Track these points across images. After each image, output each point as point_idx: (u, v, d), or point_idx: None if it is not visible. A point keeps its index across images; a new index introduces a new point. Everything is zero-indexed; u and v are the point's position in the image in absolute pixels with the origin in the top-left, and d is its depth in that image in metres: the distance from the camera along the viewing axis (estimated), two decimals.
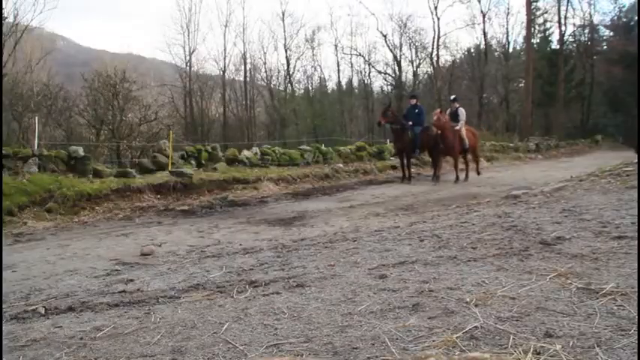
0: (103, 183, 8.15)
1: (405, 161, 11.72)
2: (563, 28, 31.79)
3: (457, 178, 11.33)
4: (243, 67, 34.09)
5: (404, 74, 34.44)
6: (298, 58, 34.73)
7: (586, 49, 34.54)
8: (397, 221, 5.45)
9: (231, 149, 12.25)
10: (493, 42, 34.91)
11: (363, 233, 4.58)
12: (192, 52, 32.43)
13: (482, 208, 5.66)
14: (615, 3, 43.38)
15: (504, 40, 34.20)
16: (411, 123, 11.36)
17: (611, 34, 35.36)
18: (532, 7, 29.27)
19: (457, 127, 11.08)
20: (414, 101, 12.07)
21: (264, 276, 3.20)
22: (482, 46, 33.31)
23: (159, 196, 8.52)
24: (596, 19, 35.49)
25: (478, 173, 12.38)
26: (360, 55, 34.98)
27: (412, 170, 12.20)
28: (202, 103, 32.50)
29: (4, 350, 2.22)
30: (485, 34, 32.97)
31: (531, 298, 2.33)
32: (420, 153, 12.27)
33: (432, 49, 32.04)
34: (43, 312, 2.80)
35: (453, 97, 12.35)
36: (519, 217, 4.51)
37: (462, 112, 11.54)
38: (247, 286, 2.98)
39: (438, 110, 10.91)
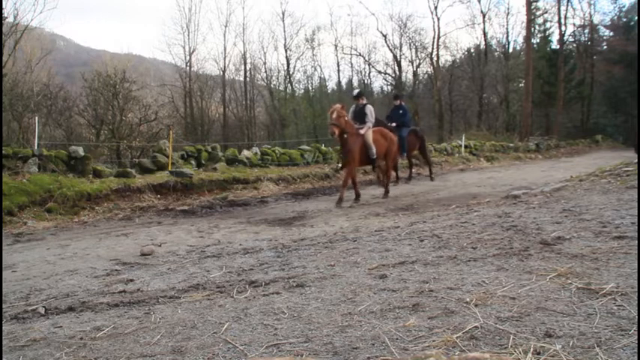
0: (103, 183, 8.15)
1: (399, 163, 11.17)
2: (563, 28, 31.80)
3: (361, 193, 8.58)
4: (243, 67, 34.13)
5: (404, 74, 34.50)
6: (298, 58, 34.76)
7: (586, 49, 34.52)
8: (397, 221, 5.45)
9: (231, 149, 12.25)
10: (493, 42, 34.98)
11: (363, 233, 4.58)
12: (192, 52, 32.47)
13: (482, 208, 5.66)
14: (615, 3, 43.45)
15: (504, 40, 34.25)
16: (395, 124, 10.59)
17: (611, 34, 35.37)
18: (532, 7, 29.25)
19: (361, 131, 8.19)
20: (397, 102, 11.39)
21: (264, 276, 3.20)
22: (483, 46, 33.34)
23: (159, 196, 8.52)
24: (596, 19, 35.53)
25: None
26: (360, 55, 35.02)
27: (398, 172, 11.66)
28: (202, 103, 32.50)
29: (4, 350, 2.22)
30: (485, 34, 33.03)
31: (531, 298, 2.33)
32: (408, 155, 11.44)
33: (432, 49, 32.06)
34: (43, 312, 2.80)
35: (356, 91, 9.27)
36: (519, 217, 4.51)
37: (369, 110, 8.55)
38: (247, 286, 2.98)
39: (339, 105, 7.92)
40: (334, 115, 7.69)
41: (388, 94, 35.58)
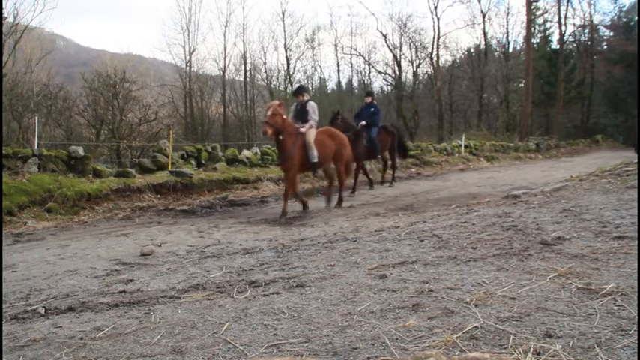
0: (103, 183, 8.15)
1: (377, 166, 10.76)
2: (563, 28, 31.80)
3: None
4: (243, 67, 34.10)
5: (404, 74, 34.45)
6: (298, 58, 34.72)
7: (586, 49, 34.51)
8: (397, 221, 5.44)
9: (231, 149, 12.25)
10: (493, 42, 34.95)
11: (363, 233, 4.58)
12: (192, 52, 32.43)
13: (482, 208, 5.66)
14: (615, 3, 43.48)
15: (504, 40, 34.23)
16: (364, 123, 9.70)
17: (611, 34, 35.36)
18: (532, 7, 29.24)
19: (302, 130, 7.21)
20: (369, 99, 10.49)
21: (264, 276, 3.20)
22: (483, 46, 33.31)
23: (159, 196, 8.52)
24: (596, 19, 35.50)
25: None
26: (360, 55, 34.97)
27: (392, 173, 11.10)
28: (202, 103, 32.47)
29: (4, 350, 2.22)
30: (485, 34, 32.99)
31: (531, 298, 2.33)
32: (381, 155, 10.71)
33: (432, 49, 32.02)
34: (43, 312, 2.80)
35: (297, 86, 8.32)
36: (519, 217, 4.51)
37: (312, 107, 7.44)
38: (247, 286, 2.98)
39: (277, 102, 7.16)
40: (269, 113, 6.84)
41: (388, 94, 35.59)
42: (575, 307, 2.19)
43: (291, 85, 34.76)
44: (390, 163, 11.27)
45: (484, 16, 32.23)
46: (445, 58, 35.41)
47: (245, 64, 33.92)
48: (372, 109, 10.13)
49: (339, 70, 38.04)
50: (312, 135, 7.25)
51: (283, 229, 5.77)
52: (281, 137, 6.86)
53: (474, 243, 3.60)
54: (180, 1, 46.41)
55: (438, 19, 32.52)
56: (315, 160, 7.16)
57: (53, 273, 3.93)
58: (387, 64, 35.34)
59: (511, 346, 1.83)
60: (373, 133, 9.89)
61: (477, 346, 1.87)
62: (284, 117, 6.91)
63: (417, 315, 2.24)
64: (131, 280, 3.41)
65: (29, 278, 3.79)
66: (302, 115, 7.40)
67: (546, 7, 35.09)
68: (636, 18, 31.36)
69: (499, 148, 20.15)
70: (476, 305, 2.29)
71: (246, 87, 34.33)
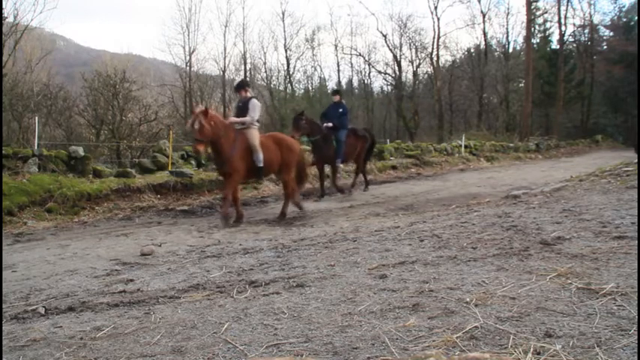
0: (103, 183, 8.15)
1: (332, 172, 9.24)
2: (563, 28, 31.83)
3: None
4: (243, 67, 34.12)
5: (404, 74, 34.49)
6: (298, 58, 34.74)
7: (586, 49, 34.53)
8: (397, 221, 5.44)
9: None
10: (493, 42, 34.99)
11: (363, 233, 4.58)
12: (192, 52, 32.44)
13: (482, 208, 5.66)
14: (615, 3, 43.52)
15: (504, 40, 34.28)
16: (331, 125, 8.88)
17: (611, 34, 35.38)
18: (532, 7, 29.26)
19: (235, 120, 6.49)
20: (337, 98, 9.48)
21: (264, 276, 3.20)
22: (483, 46, 33.35)
23: (159, 196, 8.51)
24: (596, 19, 35.54)
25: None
26: (360, 55, 35.00)
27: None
28: (202, 103, 32.47)
29: (4, 350, 2.22)
30: (485, 34, 33.04)
31: (531, 298, 2.33)
32: (346, 161, 9.63)
33: (432, 49, 32.06)
34: (43, 312, 2.80)
35: (239, 80, 7.35)
36: (519, 217, 4.51)
37: (253, 105, 6.55)
38: (247, 286, 2.98)
39: (201, 108, 6.01)
40: (196, 127, 5.79)
41: (388, 94, 35.60)
42: (575, 307, 2.19)
43: (292, 85, 34.81)
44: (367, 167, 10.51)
45: (484, 16, 32.29)
46: (445, 58, 35.48)
47: (245, 64, 33.95)
48: (340, 110, 9.19)
49: (339, 70, 38.05)
50: (255, 136, 6.45)
51: (283, 229, 5.77)
52: (220, 140, 6.04)
53: (474, 243, 3.60)
54: (180, 1, 46.48)
55: (438, 19, 32.62)
56: (261, 165, 6.34)
57: (53, 273, 3.93)
58: (387, 64, 35.41)
59: (511, 346, 1.83)
60: (342, 135, 8.97)
61: (477, 346, 1.87)
62: (213, 121, 5.92)
63: (417, 315, 2.24)
64: (131, 280, 3.41)
65: (29, 278, 3.79)
66: (244, 114, 6.52)
67: (546, 7, 35.17)
68: (636, 18, 31.37)
69: (499, 148, 20.15)
70: (476, 305, 2.29)
71: None
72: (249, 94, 6.79)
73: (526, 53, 28.05)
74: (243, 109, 6.61)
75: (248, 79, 34.53)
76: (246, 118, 6.46)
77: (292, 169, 6.98)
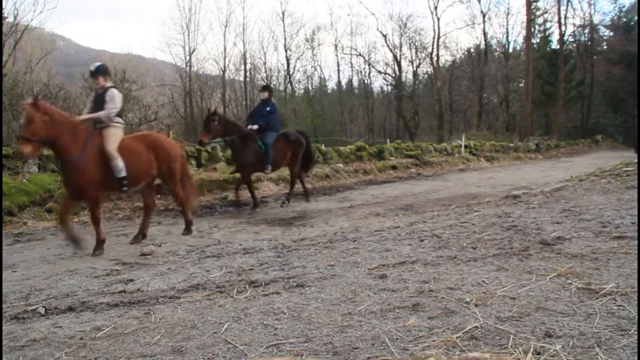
0: None
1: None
2: (563, 28, 31.84)
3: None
4: (243, 67, 34.14)
5: (404, 74, 34.52)
6: (298, 58, 34.79)
7: (586, 49, 34.53)
8: (397, 221, 5.45)
9: None
10: (493, 42, 35.02)
11: (363, 233, 4.58)
12: (192, 52, 32.46)
13: (482, 208, 5.66)
14: (615, 3, 43.48)
15: (504, 40, 34.31)
16: (255, 127, 7.67)
17: (611, 34, 35.37)
18: (532, 7, 29.27)
19: (84, 117, 5.17)
20: (265, 95, 8.20)
21: (264, 276, 3.20)
22: (483, 46, 33.38)
23: (159, 196, 8.51)
24: (596, 19, 35.53)
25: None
26: (360, 55, 35.02)
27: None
28: (202, 103, 32.50)
29: (4, 350, 2.22)
30: (485, 34, 33.07)
31: (531, 298, 2.33)
32: (275, 168, 8.36)
33: (432, 49, 32.09)
34: (43, 312, 2.80)
35: (94, 65, 5.45)
36: (519, 217, 4.51)
37: (112, 95, 5.19)
38: (247, 286, 2.98)
39: (29, 101, 4.55)
40: (22, 121, 4.58)
41: (388, 94, 35.60)
42: (575, 307, 2.19)
43: (292, 85, 34.82)
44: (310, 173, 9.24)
45: (484, 16, 32.32)
46: (445, 58, 35.51)
47: (245, 64, 33.96)
48: (268, 108, 7.96)
49: (339, 70, 38.15)
50: (114, 138, 5.03)
51: (283, 229, 5.77)
52: (58, 143, 4.66)
53: (474, 243, 3.60)
54: (180, 1, 46.51)
55: (438, 19, 32.65)
56: (123, 174, 4.94)
57: (53, 273, 3.93)
58: (387, 64, 35.44)
59: (511, 346, 1.83)
60: (269, 137, 7.75)
61: (477, 346, 1.87)
62: (48, 115, 4.57)
63: (417, 315, 2.24)
64: (131, 280, 3.41)
65: (29, 278, 3.80)
66: (101, 106, 5.18)
67: (546, 7, 35.18)
68: (636, 18, 31.37)
69: (499, 148, 20.15)
70: (476, 305, 2.29)
71: (246, 87, 34.35)
72: (107, 84, 5.31)
73: (526, 53, 28.07)
74: (99, 101, 5.22)
75: (248, 79, 34.52)
76: (100, 113, 5.05)
77: (177, 176, 5.61)
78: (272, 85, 34.78)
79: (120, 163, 4.96)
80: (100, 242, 4.84)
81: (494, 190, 9.11)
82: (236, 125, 7.78)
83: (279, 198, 8.90)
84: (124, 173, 4.98)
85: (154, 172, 5.42)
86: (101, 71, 5.37)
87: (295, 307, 2.50)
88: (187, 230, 5.75)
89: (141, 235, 5.48)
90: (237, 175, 8.09)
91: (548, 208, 4.84)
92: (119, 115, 5.30)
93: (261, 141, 7.69)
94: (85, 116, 5.22)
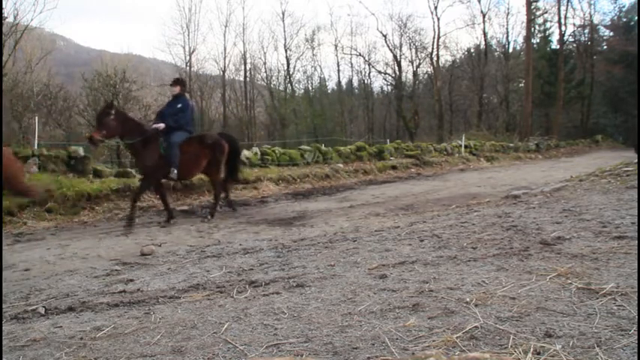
0: (103, 183, 8.15)
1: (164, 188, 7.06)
2: (563, 28, 31.86)
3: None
4: (243, 67, 34.15)
5: (404, 74, 34.56)
6: (298, 58, 34.81)
7: (586, 49, 34.54)
8: (397, 221, 5.44)
9: None
10: (493, 42, 35.05)
11: (363, 233, 4.58)
12: (192, 52, 32.48)
13: (482, 208, 5.66)
14: (615, 3, 43.50)
15: (504, 40, 34.34)
16: (162, 126, 6.54)
17: (611, 34, 35.37)
18: (532, 7, 29.28)
19: None
20: (176, 89, 6.91)
21: (264, 276, 3.20)
22: (483, 46, 33.40)
23: (159, 196, 8.50)
24: (596, 19, 35.56)
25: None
26: (360, 55, 35.04)
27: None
28: (202, 103, 32.51)
29: (4, 350, 2.22)
30: (485, 34, 33.08)
31: (531, 298, 2.33)
32: (186, 177, 7.33)
33: (432, 49, 32.12)
34: (43, 312, 2.80)
35: None
36: (519, 217, 4.51)
37: None
38: (247, 286, 2.98)
39: None
40: None
41: (388, 94, 35.61)
42: (575, 307, 2.19)
43: (292, 85, 34.82)
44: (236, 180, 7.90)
45: (484, 16, 32.33)
46: (445, 58, 35.54)
47: (245, 64, 33.98)
48: (180, 105, 6.76)
49: (339, 70, 38.25)
50: None
51: (283, 229, 5.77)
52: None
53: (474, 243, 3.60)
54: (180, 1, 46.63)
55: (438, 19, 32.68)
56: None
57: (53, 273, 3.93)
58: (387, 64, 35.48)
59: (511, 346, 1.83)
60: (175, 137, 6.56)
61: (477, 346, 1.87)
62: None
63: (417, 315, 2.24)
64: (131, 280, 3.41)
65: (29, 278, 3.79)
66: None
67: (546, 7, 35.25)
68: (636, 18, 31.37)
69: (499, 148, 20.16)
70: (476, 305, 2.29)
71: (246, 87, 34.37)
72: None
73: (526, 53, 28.08)
74: None
75: (248, 79, 34.55)
76: None
77: (14, 184, 4.09)
78: (272, 86, 34.84)
79: None
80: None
81: (494, 190, 9.10)
82: (138, 124, 6.66)
83: (279, 198, 8.90)
84: None
85: None
86: None
87: (295, 307, 2.50)
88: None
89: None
90: (137, 182, 6.84)
91: (548, 208, 4.84)
92: None
93: (167, 141, 6.52)
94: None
